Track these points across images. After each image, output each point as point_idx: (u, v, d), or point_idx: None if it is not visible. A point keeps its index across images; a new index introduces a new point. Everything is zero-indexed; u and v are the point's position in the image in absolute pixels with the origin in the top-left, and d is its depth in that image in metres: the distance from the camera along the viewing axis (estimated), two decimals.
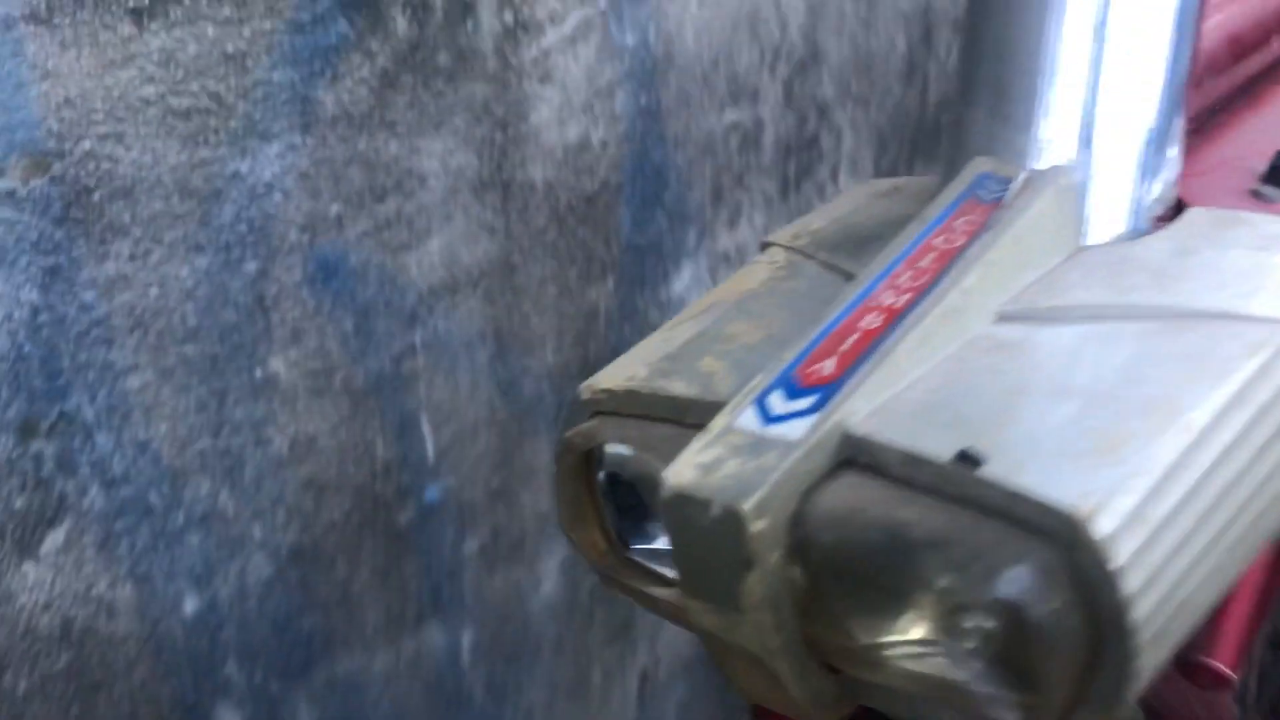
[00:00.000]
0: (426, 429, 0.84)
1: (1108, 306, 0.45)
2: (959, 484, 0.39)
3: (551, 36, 0.83)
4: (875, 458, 0.41)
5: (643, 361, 0.51)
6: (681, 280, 0.99)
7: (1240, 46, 0.72)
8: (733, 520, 0.41)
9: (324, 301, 0.77)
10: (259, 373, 0.74)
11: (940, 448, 0.40)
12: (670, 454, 0.44)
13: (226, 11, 0.67)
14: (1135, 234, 0.50)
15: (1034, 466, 0.38)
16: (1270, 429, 0.41)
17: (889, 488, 0.40)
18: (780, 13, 1.02)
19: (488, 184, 0.82)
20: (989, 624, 0.38)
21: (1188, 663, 0.57)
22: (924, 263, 0.46)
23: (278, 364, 0.75)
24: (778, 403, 0.44)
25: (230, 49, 0.68)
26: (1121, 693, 0.38)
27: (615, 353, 0.99)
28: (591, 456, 0.51)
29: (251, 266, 0.72)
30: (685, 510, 0.43)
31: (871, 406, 0.42)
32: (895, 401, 0.42)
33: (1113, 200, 0.49)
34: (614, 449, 0.50)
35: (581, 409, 0.51)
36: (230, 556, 0.76)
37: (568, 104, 0.85)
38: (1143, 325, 0.43)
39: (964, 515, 0.38)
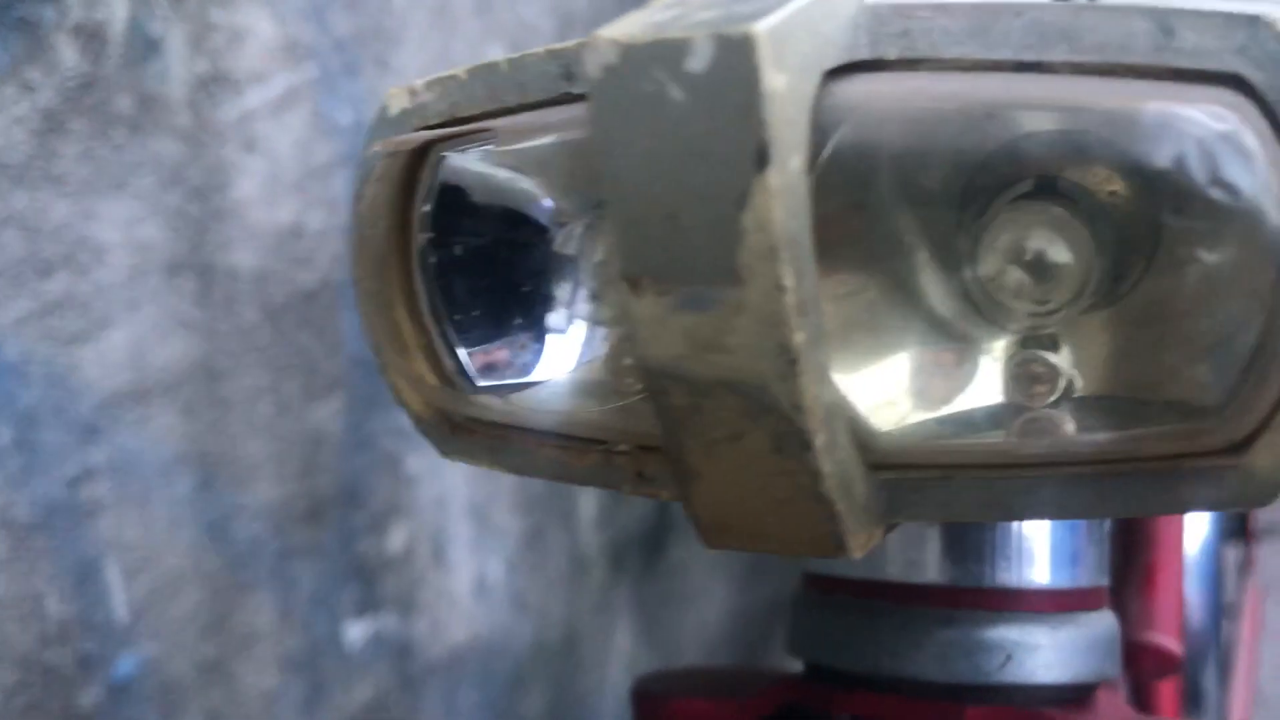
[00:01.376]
0: (115, 579, 0.67)
1: None
2: (1074, 28, 0.27)
3: (254, 98, 0.71)
4: (920, 39, 0.28)
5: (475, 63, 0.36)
6: None
7: None
8: (737, 61, 0.25)
9: None
10: None
11: None
12: (562, 169, 0.30)
13: None
14: None
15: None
16: None
17: (952, 75, 0.28)
18: None
19: (183, 265, 0.68)
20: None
21: (1129, 645, 0.46)
22: None
23: None
24: None
25: None
26: None
27: (348, 487, 0.84)
28: (408, 233, 0.36)
29: None
30: (640, 80, 0.26)
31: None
32: None
33: None
34: (457, 174, 0.35)
35: (390, 128, 0.35)
36: None
37: (276, 180, 0.73)
38: None
39: (1089, 80, 0.27)
